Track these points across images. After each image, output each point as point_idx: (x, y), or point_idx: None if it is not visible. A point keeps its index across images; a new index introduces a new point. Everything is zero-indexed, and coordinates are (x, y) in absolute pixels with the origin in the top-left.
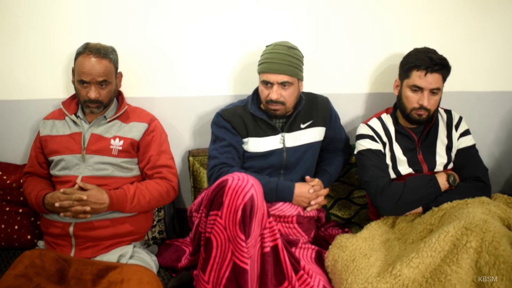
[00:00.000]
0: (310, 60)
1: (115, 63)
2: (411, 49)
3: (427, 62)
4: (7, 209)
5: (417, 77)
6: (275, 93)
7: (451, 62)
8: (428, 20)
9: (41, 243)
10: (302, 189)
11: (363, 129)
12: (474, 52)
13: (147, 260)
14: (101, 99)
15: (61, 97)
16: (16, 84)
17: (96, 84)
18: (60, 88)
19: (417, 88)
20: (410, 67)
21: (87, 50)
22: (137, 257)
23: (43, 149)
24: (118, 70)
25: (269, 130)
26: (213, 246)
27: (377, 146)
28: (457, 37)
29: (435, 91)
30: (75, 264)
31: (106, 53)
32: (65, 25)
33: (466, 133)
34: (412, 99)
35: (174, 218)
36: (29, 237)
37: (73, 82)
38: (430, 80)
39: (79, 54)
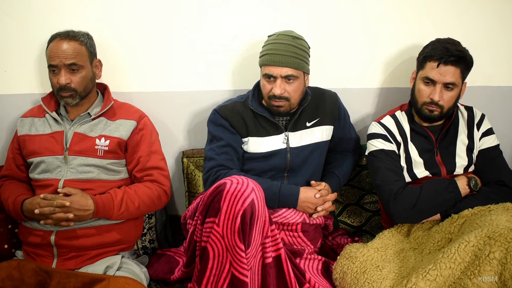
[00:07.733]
0: (317, 51)
1: (88, 47)
2: (432, 39)
3: (441, 52)
4: None
5: (430, 69)
6: (278, 88)
7: (472, 54)
8: (451, 8)
9: (19, 253)
10: (307, 194)
11: (375, 128)
12: (498, 43)
13: (137, 271)
14: (73, 86)
15: (40, 92)
16: None
17: (65, 68)
18: (38, 81)
19: (429, 81)
20: (424, 57)
21: (56, 35)
22: (126, 268)
23: (21, 150)
24: (97, 58)
25: (272, 128)
26: (209, 256)
27: (391, 146)
28: (480, 27)
29: (450, 86)
30: (57, 276)
31: (75, 35)
32: (43, 10)
33: (488, 132)
34: (423, 93)
35: (166, 226)
36: (6, 246)
37: (50, 77)
38: (443, 72)
39: (48, 43)
